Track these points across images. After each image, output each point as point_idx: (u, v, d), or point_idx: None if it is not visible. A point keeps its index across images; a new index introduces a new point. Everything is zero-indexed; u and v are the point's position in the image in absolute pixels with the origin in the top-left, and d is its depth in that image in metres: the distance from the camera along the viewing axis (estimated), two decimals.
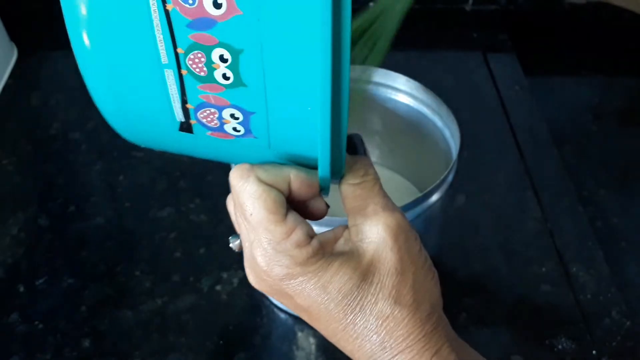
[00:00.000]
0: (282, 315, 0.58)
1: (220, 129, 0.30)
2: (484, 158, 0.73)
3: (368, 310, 0.30)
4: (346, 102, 0.27)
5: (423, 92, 0.56)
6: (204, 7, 0.25)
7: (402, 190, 0.63)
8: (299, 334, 0.57)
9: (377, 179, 0.32)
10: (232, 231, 0.34)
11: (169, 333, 0.57)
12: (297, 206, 0.32)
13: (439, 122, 0.56)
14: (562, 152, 0.75)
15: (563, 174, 0.71)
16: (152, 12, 0.26)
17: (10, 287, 0.61)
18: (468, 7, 0.89)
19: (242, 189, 0.30)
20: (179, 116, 0.29)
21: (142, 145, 0.33)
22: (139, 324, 0.58)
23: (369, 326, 0.30)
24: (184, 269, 0.62)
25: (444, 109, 0.54)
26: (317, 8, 0.24)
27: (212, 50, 0.26)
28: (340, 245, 0.32)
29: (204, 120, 0.29)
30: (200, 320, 0.58)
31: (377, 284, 0.30)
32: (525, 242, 0.64)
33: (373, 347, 0.30)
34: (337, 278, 0.30)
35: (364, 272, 0.30)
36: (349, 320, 0.30)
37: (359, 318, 0.30)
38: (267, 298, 0.58)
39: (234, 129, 0.29)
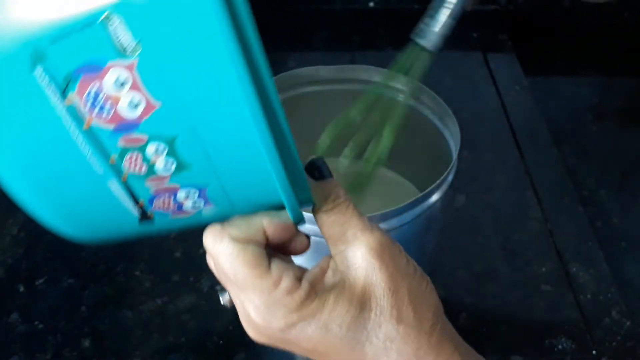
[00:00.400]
0: None
1: (180, 209, 0.29)
2: (484, 158, 0.73)
3: (374, 337, 0.30)
4: (289, 136, 0.26)
5: (423, 92, 0.56)
6: (121, 113, 0.25)
7: (402, 190, 0.63)
8: None
9: (348, 199, 0.32)
10: None
11: (169, 333, 0.57)
12: (278, 247, 0.32)
13: (439, 123, 0.56)
14: (562, 152, 0.75)
15: (563, 174, 0.71)
16: (72, 134, 0.25)
17: (10, 287, 0.61)
18: (468, 7, 0.89)
19: (218, 251, 0.30)
20: (135, 212, 0.29)
21: (106, 243, 0.32)
22: (139, 324, 0.58)
23: (378, 352, 0.30)
24: (184, 269, 0.62)
25: (444, 109, 0.54)
26: (233, 74, 0.23)
27: (145, 147, 0.26)
28: (330, 277, 0.31)
29: (161, 209, 0.29)
30: (200, 320, 0.58)
31: (376, 308, 0.30)
32: (525, 242, 0.64)
33: None
34: (336, 314, 0.29)
35: (360, 300, 0.30)
36: (357, 351, 0.30)
37: (367, 346, 0.30)
38: None
39: (194, 205, 0.29)
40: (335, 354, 0.30)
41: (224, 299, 0.33)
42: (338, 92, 0.59)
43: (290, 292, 0.29)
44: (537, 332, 0.57)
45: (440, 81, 0.77)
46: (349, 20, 0.92)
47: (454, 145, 0.52)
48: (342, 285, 0.30)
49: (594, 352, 0.55)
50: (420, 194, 0.48)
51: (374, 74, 0.58)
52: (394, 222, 0.48)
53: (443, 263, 0.62)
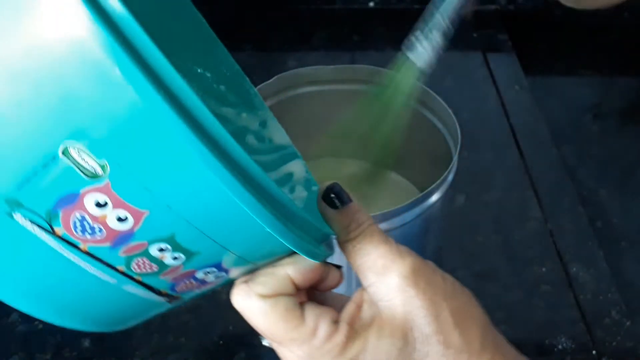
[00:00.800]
0: None
1: (204, 284, 0.29)
2: (484, 158, 0.73)
3: None
4: (279, 192, 0.25)
5: (423, 92, 0.56)
6: (113, 228, 0.24)
7: (402, 190, 0.63)
8: None
9: (371, 224, 0.31)
10: None
11: (169, 333, 0.57)
12: (311, 287, 0.31)
13: (439, 123, 0.56)
14: (562, 152, 0.75)
15: (563, 174, 0.71)
16: (72, 260, 0.25)
17: None
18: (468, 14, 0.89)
19: (249, 311, 0.29)
20: (161, 300, 0.29)
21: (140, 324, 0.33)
22: (139, 323, 0.58)
23: None
24: None
25: (444, 109, 0.54)
26: (202, 165, 0.22)
27: (148, 251, 0.25)
28: (366, 312, 0.30)
29: (186, 290, 0.29)
30: (200, 320, 0.58)
31: (420, 337, 0.29)
32: (525, 242, 0.64)
33: None
34: (380, 350, 0.28)
35: (402, 332, 0.29)
36: None
37: None
38: None
39: (216, 277, 0.29)
40: None
41: (265, 341, 0.32)
42: (338, 92, 0.59)
43: (329, 337, 0.28)
44: (537, 332, 0.57)
45: (440, 81, 0.77)
46: (349, 20, 0.92)
47: (454, 145, 0.52)
48: (380, 319, 0.29)
49: (594, 352, 0.55)
50: (420, 194, 0.48)
51: (374, 74, 0.58)
52: (394, 222, 0.48)
53: (443, 263, 0.62)
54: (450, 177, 0.51)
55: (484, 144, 0.75)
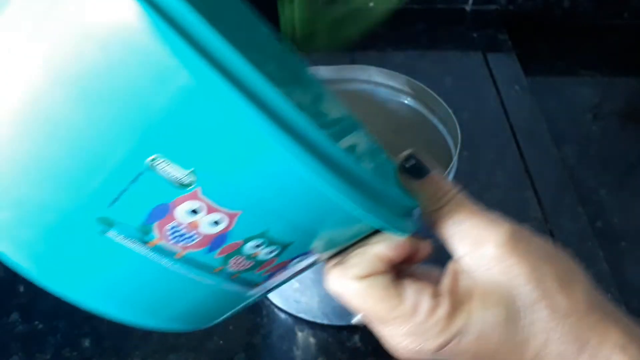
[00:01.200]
0: (282, 315, 0.58)
1: (294, 271, 0.29)
2: (484, 158, 0.73)
3: (531, 333, 0.27)
4: (363, 171, 0.25)
5: (423, 92, 0.56)
6: (208, 232, 0.25)
7: None
8: (299, 334, 0.57)
9: (457, 192, 0.29)
10: None
11: (169, 333, 0.57)
12: (403, 262, 0.30)
13: (438, 123, 0.56)
14: (562, 152, 0.75)
15: (563, 174, 0.71)
16: (169, 267, 0.26)
17: (10, 287, 0.61)
18: (468, 7, 0.89)
19: (347, 294, 0.28)
20: (255, 292, 0.30)
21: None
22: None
23: (538, 347, 0.27)
24: None
25: (444, 109, 0.54)
26: (286, 156, 0.22)
27: (243, 249, 0.26)
28: (465, 283, 0.29)
29: (279, 279, 0.29)
30: None
31: (524, 305, 0.28)
32: None
33: None
34: (485, 321, 0.27)
35: (506, 302, 0.28)
36: (517, 352, 0.28)
37: (525, 345, 0.28)
38: (267, 297, 0.58)
39: (308, 264, 0.29)
40: (493, 359, 0.28)
41: (354, 319, 0.31)
42: (338, 92, 0.59)
43: (432, 313, 0.28)
44: None
45: (440, 81, 0.77)
46: None
47: (454, 145, 0.52)
48: (482, 290, 0.28)
49: None
50: None
51: (374, 74, 0.58)
52: None
53: (443, 263, 0.62)
54: (450, 177, 0.51)
55: (484, 144, 0.75)
